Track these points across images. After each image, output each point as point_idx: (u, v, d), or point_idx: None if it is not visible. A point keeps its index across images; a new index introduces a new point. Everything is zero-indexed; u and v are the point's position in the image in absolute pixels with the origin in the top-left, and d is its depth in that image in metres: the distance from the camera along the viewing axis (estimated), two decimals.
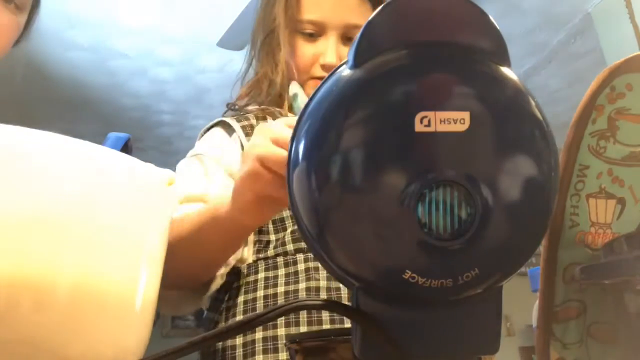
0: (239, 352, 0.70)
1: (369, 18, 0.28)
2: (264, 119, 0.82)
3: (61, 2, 2.54)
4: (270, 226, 0.76)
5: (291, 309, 0.29)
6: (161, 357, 0.27)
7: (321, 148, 0.27)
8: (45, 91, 3.22)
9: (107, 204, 0.27)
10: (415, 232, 0.26)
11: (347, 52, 0.91)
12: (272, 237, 0.76)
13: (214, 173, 0.75)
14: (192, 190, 0.71)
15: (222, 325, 0.75)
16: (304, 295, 0.71)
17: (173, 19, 2.70)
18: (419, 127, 0.25)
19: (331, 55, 0.81)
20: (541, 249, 0.42)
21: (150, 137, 3.84)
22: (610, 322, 0.41)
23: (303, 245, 0.74)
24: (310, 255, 0.74)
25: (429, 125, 0.25)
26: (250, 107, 0.85)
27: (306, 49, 0.83)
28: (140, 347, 0.30)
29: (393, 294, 0.28)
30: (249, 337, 0.70)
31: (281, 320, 0.70)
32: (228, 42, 2.41)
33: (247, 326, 0.29)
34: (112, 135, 0.68)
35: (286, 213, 0.76)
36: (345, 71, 0.28)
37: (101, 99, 3.36)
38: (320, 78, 0.79)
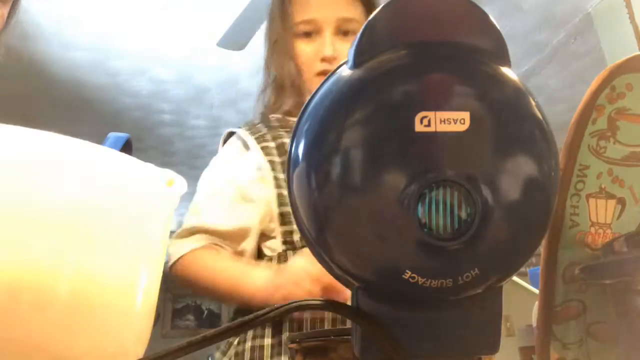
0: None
1: (369, 18, 0.28)
2: (274, 129, 0.89)
3: (61, 2, 2.54)
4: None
5: (291, 309, 0.29)
6: (161, 357, 0.27)
7: (321, 148, 0.27)
8: (45, 91, 3.22)
9: (107, 204, 0.27)
10: (415, 232, 0.26)
11: (342, 45, 0.97)
12: (295, 226, 0.79)
13: (232, 206, 0.84)
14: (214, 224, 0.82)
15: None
16: None
17: (173, 19, 2.70)
18: (419, 127, 0.25)
19: (328, 48, 0.87)
20: (541, 249, 0.42)
21: (150, 137, 3.84)
22: (610, 322, 0.41)
23: None
24: None
25: (429, 125, 0.25)
26: (276, 115, 0.92)
27: (306, 48, 0.89)
28: (140, 347, 0.30)
29: (393, 294, 0.28)
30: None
31: None
32: (228, 42, 2.41)
33: (247, 326, 0.29)
34: (112, 135, 0.68)
35: None
36: (345, 71, 0.28)
37: (101, 99, 3.36)
38: (322, 72, 0.88)
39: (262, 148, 0.85)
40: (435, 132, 0.25)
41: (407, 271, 0.26)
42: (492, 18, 0.28)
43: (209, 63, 3.05)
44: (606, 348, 0.41)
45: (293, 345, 0.37)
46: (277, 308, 0.29)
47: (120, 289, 0.28)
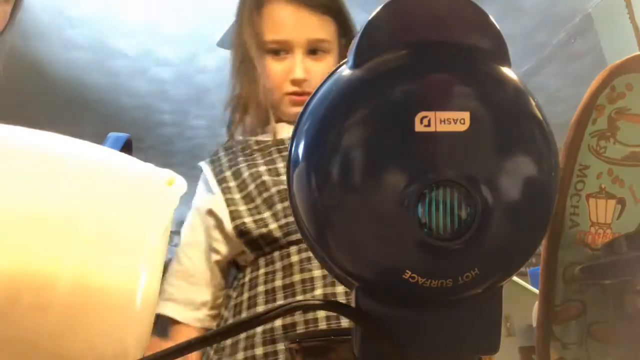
0: (258, 339, 0.74)
1: (369, 18, 0.28)
2: (233, 154, 0.90)
3: (61, 2, 2.54)
4: (252, 225, 0.80)
5: (291, 309, 0.29)
6: (161, 357, 0.27)
7: (321, 148, 0.27)
8: (45, 91, 3.22)
9: (107, 203, 0.27)
10: (415, 232, 0.26)
11: (313, 66, 0.91)
12: (255, 233, 0.80)
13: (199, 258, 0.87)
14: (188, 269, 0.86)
15: (230, 321, 0.81)
16: (300, 288, 0.75)
17: (173, 19, 2.70)
18: (419, 127, 0.25)
19: (299, 71, 0.86)
20: (541, 249, 0.42)
21: (150, 137, 3.84)
22: (610, 322, 0.41)
23: (294, 237, 0.78)
24: (303, 246, 0.77)
25: (429, 125, 0.25)
26: (238, 138, 0.93)
27: (276, 68, 0.88)
28: (140, 347, 0.30)
29: (393, 294, 0.28)
30: (268, 325, 0.74)
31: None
32: (228, 42, 2.41)
33: (247, 326, 0.29)
34: (112, 135, 0.68)
35: (267, 214, 0.80)
36: (345, 71, 0.28)
37: (101, 99, 3.37)
38: (292, 93, 0.87)
39: (223, 190, 0.86)
40: (435, 132, 0.25)
41: (407, 271, 0.26)
42: (492, 18, 0.28)
43: (209, 63, 3.05)
44: (606, 348, 0.41)
45: (293, 345, 0.37)
46: (276, 308, 0.29)
47: (120, 289, 0.28)
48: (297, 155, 0.28)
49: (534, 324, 0.44)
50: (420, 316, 0.28)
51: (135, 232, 0.29)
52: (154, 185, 0.31)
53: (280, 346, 0.72)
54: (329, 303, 0.30)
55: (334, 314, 0.72)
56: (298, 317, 0.73)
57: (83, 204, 0.26)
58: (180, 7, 2.61)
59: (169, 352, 0.27)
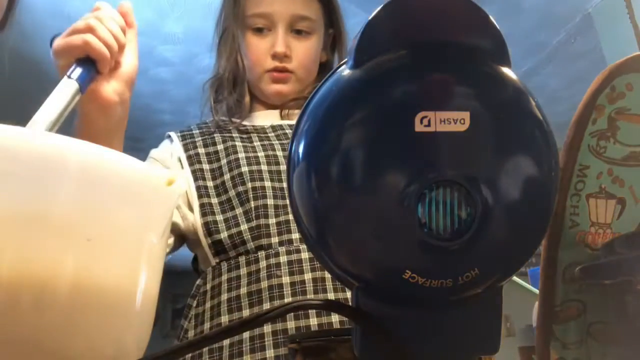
0: (246, 346, 0.69)
1: (369, 18, 0.28)
2: (210, 134, 0.86)
3: (61, 2, 2.54)
4: (223, 225, 0.76)
5: (292, 309, 0.29)
6: (161, 357, 0.27)
7: (321, 148, 0.27)
8: (45, 91, 3.22)
9: (107, 204, 0.27)
10: (415, 232, 0.26)
11: (296, 44, 0.87)
12: (224, 234, 0.76)
13: None
14: None
15: (191, 333, 0.74)
16: (267, 295, 0.71)
17: (173, 19, 2.70)
18: (419, 127, 0.25)
19: (280, 44, 0.84)
20: (541, 249, 0.42)
21: (150, 137, 3.84)
22: (610, 322, 0.41)
23: (263, 242, 0.74)
24: (272, 251, 0.73)
25: (429, 125, 0.25)
26: (221, 118, 0.89)
27: (258, 44, 0.86)
28: (140, 347, 0.30)
29: (393, 294, 0.28)
30: (256, 331, 0.69)
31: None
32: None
33: (248, 325, 0.29)
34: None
35: (239, 210, 0.77)
36: (345, 71, 0.28)
37: None
38: (273, 69, 0.84)
39: (194, 172, 0.81)
40: (435, 132, 0.25)
41: (407, 271, 0.26)
42: (492, 18, 0.28)
43: (209, 63, 3.05)
44: (606, 348, 0.41)
45: (293, 345, 0.37)
46: (276, 308, 0.29)
47: (120, 289, 0.28)
48: (297, 156, 0.28)
49: (534, 324, 0.44)
50: (420, 316, 0.28)
51: (135, 232, 0.29)
52: (154, 185, 0.31)
53: (271, 353, 0.67)
54: (329, 303, 0.30)
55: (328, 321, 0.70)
56: (289, 323, 0.70)
57: (83, 204, 0.26)
58: (180, 7, 2.61)
59: (169, 352, 0.27)
